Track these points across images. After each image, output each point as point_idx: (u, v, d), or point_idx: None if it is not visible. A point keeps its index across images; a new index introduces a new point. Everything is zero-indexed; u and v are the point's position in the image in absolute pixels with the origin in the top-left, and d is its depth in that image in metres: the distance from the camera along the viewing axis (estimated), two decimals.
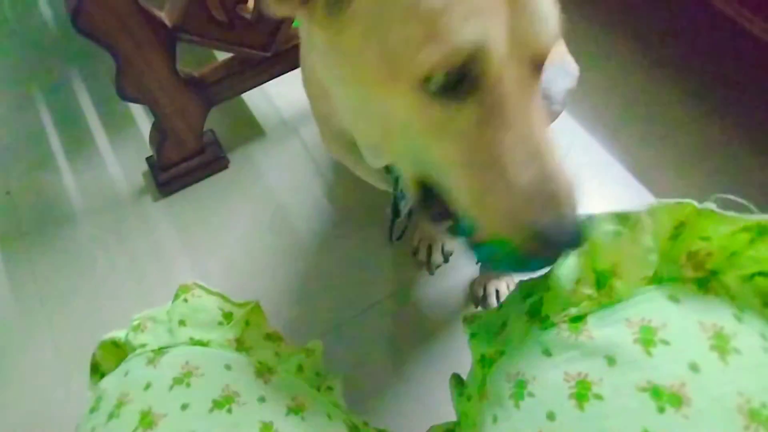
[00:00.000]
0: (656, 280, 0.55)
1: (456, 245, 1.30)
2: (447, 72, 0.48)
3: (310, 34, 0.61)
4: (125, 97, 1.31)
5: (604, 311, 0.55)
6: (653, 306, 0.54)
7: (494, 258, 0.54)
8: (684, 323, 0.52)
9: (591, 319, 0.55)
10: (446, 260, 1.30)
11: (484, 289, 1.22)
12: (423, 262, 1.29)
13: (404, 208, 0.80)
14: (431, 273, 1.29)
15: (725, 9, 1.26)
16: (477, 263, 1.23)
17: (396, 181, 0.77)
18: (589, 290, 0.56)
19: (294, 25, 1.40)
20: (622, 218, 0.60)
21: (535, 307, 0.60)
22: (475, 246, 0.56)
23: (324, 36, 0.55)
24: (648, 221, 0.59)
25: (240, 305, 0.73)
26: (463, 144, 0.51)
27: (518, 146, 0.49)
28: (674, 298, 0.54)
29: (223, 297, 0.74)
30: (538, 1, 0.50)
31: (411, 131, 0.54)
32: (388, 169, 0.79)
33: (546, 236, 0.49)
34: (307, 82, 0.82)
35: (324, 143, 0.90)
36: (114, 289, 1.37)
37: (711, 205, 0.58)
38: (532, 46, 0.50)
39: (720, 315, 0.52)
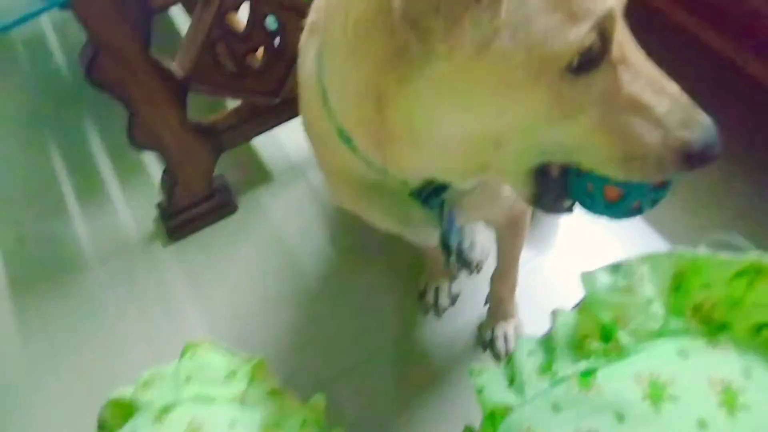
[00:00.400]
0: (664, 333, 0.55)
1: (462, 287, 1.30)
2: (588, 47, 0.51)
3: (376, 85, 0.58)
4: (136, 144, 1.33)
5: (614, 366, 0.55)
6: (662, 361, 0.54)
7: (638, 198, 0.59)
8: (693, 379, 0.52)
9: (600, 374, 0.55)
10: (453, 303, 1.30)
11: (492, 332, 1.21)
12: (430, 305, 1.29)
13: (454, 241, 0.79)
14: (439, 316, 1.29)
15: (724, 49, 1.28)
16: (485, 305, 1.24)
17: (440, 214, 0.76)
18: (596, 344, 0.56)
19: None
20: (617, 269, 0.60)
21: (546, 363, 0.60)
22: (610, 206, 0.60)
23: (450, 65, 0.53)
24: (644, 271, 0.59)
25: (246, 360, 0.73)
26: (604, 107, 0.54)
27: (649, 85, 0.55)
28: (683, 353, 0.54)
29: (229, 352, 0.74)
30: None
31: (550, 124, 0.55)
32: (425, 202, 0.75)
33: (701, 147, 0.55)
34: (321, 139, 0.78)
35: (333, 197, 0.88)
36: (123, 338, 1.37)
37: (703, 250, 0.58)
38: None
39: (729, 370, 0.52)
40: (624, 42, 0.54)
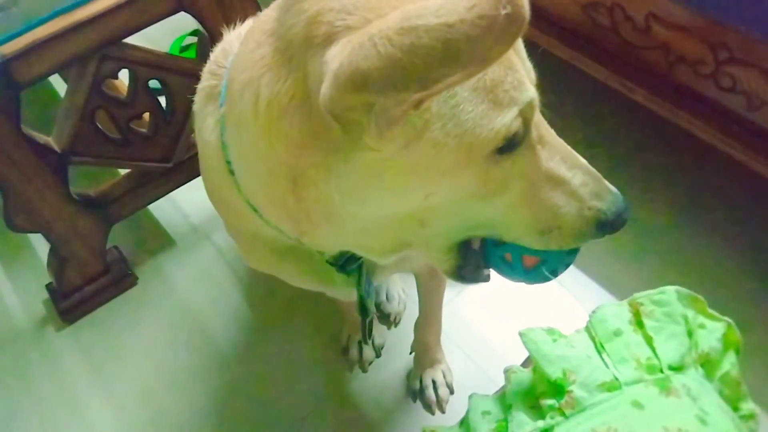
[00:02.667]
0: (616, 384, 0.55)
1: (386, 336, 1.27)
2: (514, 132, 0.53)
3: (289, 166, 0.55)
4: (16, 229, 1.22)
5: (570, 422, 0.54)
6: (618, 413, 0.53)
7: (555, 265, 0.62)
8: (649, 430, 0.51)
9: (558, 431, 0.53)
10: (378, 355, 1.26)
11: (421, 382, 1.19)
12: (355, 360, 1.25)
13: (371, 304, 0.79)
14: (364, 371, 1.24)
15: (608, 79, 1.33)
16: (410, 353, 1.21)
17: (359, 281, 0.75)
18: (550, 401, 0.55)
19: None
20: (552, 331, 0.60)
21: (502, 424, 0.58)
22: (529, 272, 0.63)
23: (377, 155, 0.51)
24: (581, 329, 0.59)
25: None
26: (524, 184, 0.57)
27: (564, 160, 0.59)
28: (637, 404, 0.53)
29: None
30: (522, 46, 0.57)
31: (476, 201, 0.57)
32: (341, 269, 0.74)
33: (613, 215, 0.59)
34: (226, 206, 0.74)
35: (246, 259, 0.85)
36: None
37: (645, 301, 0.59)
38: (534, 82, 0.57)
39: (684, 418, 0.52)
40: (539, 123, 0.57)
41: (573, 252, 0.62)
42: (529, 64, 0.57)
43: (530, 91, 0.54)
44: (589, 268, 1.30)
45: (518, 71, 0.53)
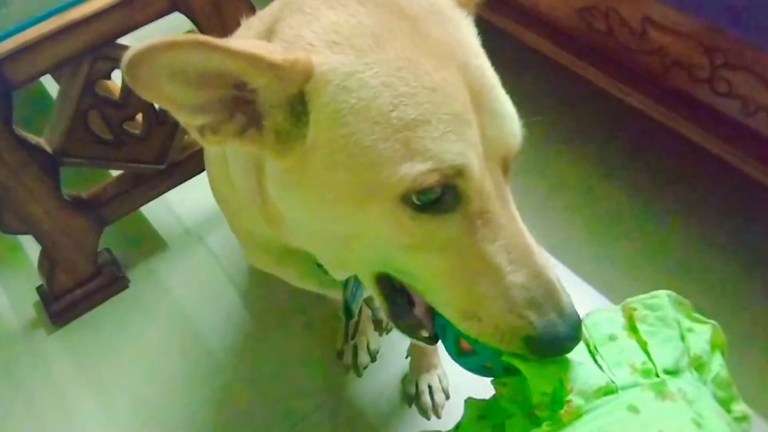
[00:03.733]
0: (612, 388, 0.54)
1: (381, 342, 1.26)
2: (427, 188, 0.48)
3: (254, 158, 0.57)
4: (6, 229, 1.20)
5: (566, 429, 0.53)
6: (614, 418, 0.52)
7: (484, 360, 0.54)
8: None
9: None
10: (373, 359, 1.25)
11: (417, 386, 1.18)
12: (350, 365, 1.24)
13: (356, 308, 0.79)
14: (359, 375, 1.23)
15: (601, 82, 1.33)
16: (406, 358, 1.21)
17: (345, 284, 0.75)
18: (547, 411, 0.55)
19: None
20: None
21: (498, 429, 0.57)
22: (461, 356, 0.56)
23: (280, 165, 0.52)
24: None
25: None
26: (451, 254, 0.51)
27: (508, 250, 0.50)
28: (633, 408, 0.53)
29: None
30: (501, 102, 0.51)
31: (392, 245, 0.52)
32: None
33: (547, 335, 0.50)
34: (225, 199, 0.77)
35: (248, 257, 0.85)
36: None
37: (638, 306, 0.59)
38: (503, 150, 0.51)
39: (680, 422, 0.51)
40: (493, 198, 0.50)
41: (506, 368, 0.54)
42: (503, 124, 0.51)
43: (460, 156, 0.47)
44: (585, 272, 1.30)
45: (452, 122, 0.47)
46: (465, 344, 0.55)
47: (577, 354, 0.58)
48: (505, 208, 0.51)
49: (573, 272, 1.30)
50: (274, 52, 0.47)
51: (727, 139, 1.19)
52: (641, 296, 0.62)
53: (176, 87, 0.46)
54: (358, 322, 0.85)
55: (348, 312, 0.79)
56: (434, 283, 0.53)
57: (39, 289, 1.42)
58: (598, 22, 1.29)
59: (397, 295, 0.59)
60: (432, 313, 0.58)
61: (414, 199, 0.48)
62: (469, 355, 0.56)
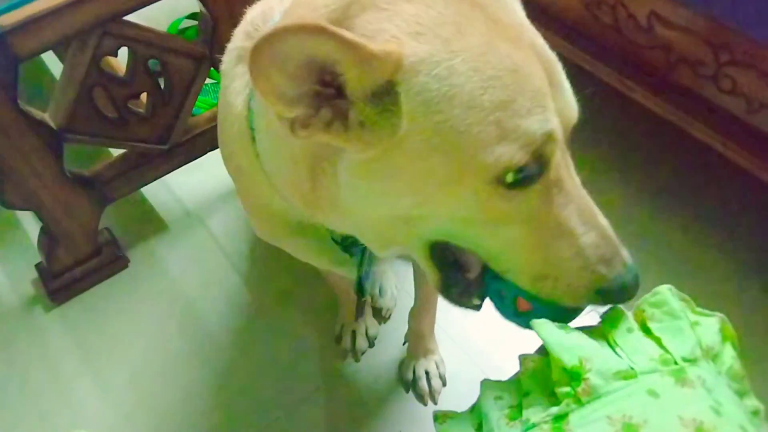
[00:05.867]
0: (632, 372, 0.55)
1: (380, 328, 1.27)
2: (522, 166, 0.50)
3: (312, 148, 0.57)
4: (8, 205, 1.20)
5: (585, 409, 0.53)
6: (633, 402, 0.53)
7: (544, 317, 0.57)
8: (665, 419, 0.51)
9: (573, 418, 0.53)
10: (371, 345, 1.26)
11: (414, 372, 1.18)
12: (348, 349, 1.24)
13: (369, 286, 0.80)
14: (357, 360, 1.24)
15: (610, 78, 1.34)
16: (403, 344, 1.21)
17: (360, 261, 0.76)
18: (566, 388, 0.55)
19: (193, 114, 1.36)
20: (563, 326, 0.60)
21: (515, 410, 0.58)
22: (520, 316, 0.60)
23: (362, 156, 0.53)
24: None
25: None
26: (530, 223, 0.54)
27: (579, 214, 0.55)
28: (653, 393, 0.53)
29: None
30: (564, 76, 0.55)
31: (471, 223, 0.55)
32: (346, 249, 0.76)
33: (617, 286, 0.55)
34: (241, 173, 0.75)
35: (257, 230, 0.85)
36: (5, 419, 1.22)
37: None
38: (568, 120, 0.55)
39: (699, 408, 0.52)
40: (562, 165, 0.54)
41: (568, 314, 0.58)
42: (567, 96, 0.55)
43: (548, 123, 0.51)
44: None
45: (536, 97, 0.50)
46: (524, 304, 0.59)
47: (598, 344, 0.58)
48: (571, 175, 0.55)
49: None
50: (368, 42, 0.48)
51: (730, 137, 1.19)
52: (645, 296, 0.63)
53: (282, 76, 0.47)
54: (365, 302, 0.86)
55: (360, 289, 0.79)
56: (509, 251, 0.56)
57: (38, 266, 1.41)
58: (605, 15, 1.29)
59: (450, 264, 0.61)
60: (481, 278, 0.61)
61: (509, 177, 0.51)
62: (527, 314, 0.58)
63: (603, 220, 0.56)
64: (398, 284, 1.31)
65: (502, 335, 1.22)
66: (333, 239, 0.73)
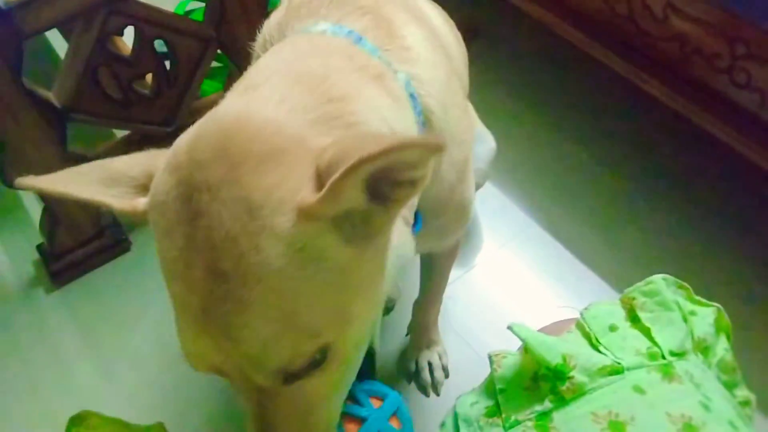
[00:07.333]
0: (618, 369, 0.54)
1: (383, 319, 1.26)
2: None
3: None
4: (10, 184, 1.18)
5: (569, 406, 0.53)
6: (619, 397, 0.52)
7: None
8: (652, 416, 0.50)
9: (557, 416, 0.52)
10: None
11: (417, 363, 1.17)
12: None
13: None
14: None
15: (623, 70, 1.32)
16: (406, 335, 1.20)
17: None
18: (549, 385, 0.54)
19: (201, 95, 1.34)
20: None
21: (492, 408, 0.57)
22: None
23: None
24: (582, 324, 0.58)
25: (143, 429, 0.65)
26: None
27: None
28: (639, 389, 0.52)
29: (121, 423, 0.65)
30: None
31: None
32: None
33: None
34: None
35: None
36: (4, 401, 1.21)
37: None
38: None
39: (687, 404, 0.51)
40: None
41: None
42: None
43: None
44: (589, 259, 1.29)
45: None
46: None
47: (579, 344, 0.57)
48: None
49: (577, 260, 1.30)
50: None
51: (743, 132, 1.18)
52: (637, 285, 0.61)
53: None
54: None
55: None
56: None
57: (39, 247, 1.40)
58: (621, 5, 1.27)
59: None
60: None
61: None
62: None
63: None
64: (402, 276, 1.29)
65: (506, 329, 1.22)
66: None
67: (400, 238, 0.55)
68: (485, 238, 1.37)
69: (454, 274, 1.29)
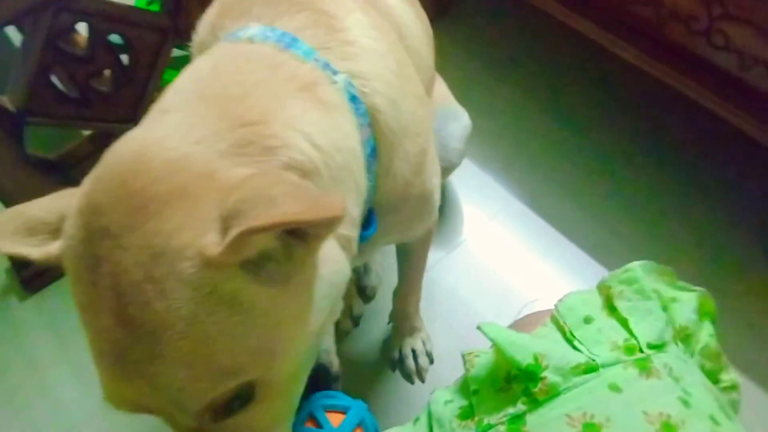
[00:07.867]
0: (593, 366, 0.51)
1: (364, 307, 1.23)
2: None
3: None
4: None
5: (543, 408, 0.50)
6: (594, 398, 0.49)
7: None
8: (628, 416, 0.48)
9: (530, 419, 0.50)
10: (356, 324, 1.22)
11: (400, 351, 1.15)
12: (332, 329, 1.21)
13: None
14: (341, 340, 1.20)
15: (599, 38, 1.28)
16: (388, 323, 1.18)
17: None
18: (522, 386, 0.52)
19: (162, 85, 1.29)
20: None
21: (466, 409, 0.54)
22: None
23: None
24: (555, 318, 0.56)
25: None
26: None
27: None
28: (615, 387, 0.50)
29: None
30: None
31: None
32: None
33: None
34: None
35: None
36: None
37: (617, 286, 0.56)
38: None
39: (665, 401, 0.48)
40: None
41: None
42: None
43: None
44: (577, 237, 1.27)
45: None
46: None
47: (552, 339, 0.55)
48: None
49: (566, 237, 1.27)
50: None
51: (723, 95, 1.14)
52: (615, 272, 0.59)
53: None
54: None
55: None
56: None
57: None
58: None
59: None
60: None
61: None
62: None
63: None
64: (382, 262, 1.27)
65: (490, 311, 1.20)
66: None
67: (332, 263, 0.52)
68: (466, 218, 1.34)
69: (436, 255, 1.27)
